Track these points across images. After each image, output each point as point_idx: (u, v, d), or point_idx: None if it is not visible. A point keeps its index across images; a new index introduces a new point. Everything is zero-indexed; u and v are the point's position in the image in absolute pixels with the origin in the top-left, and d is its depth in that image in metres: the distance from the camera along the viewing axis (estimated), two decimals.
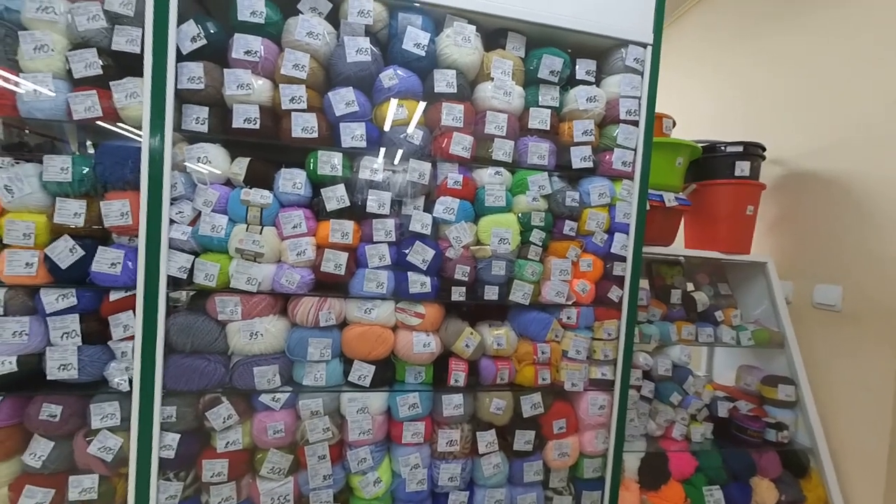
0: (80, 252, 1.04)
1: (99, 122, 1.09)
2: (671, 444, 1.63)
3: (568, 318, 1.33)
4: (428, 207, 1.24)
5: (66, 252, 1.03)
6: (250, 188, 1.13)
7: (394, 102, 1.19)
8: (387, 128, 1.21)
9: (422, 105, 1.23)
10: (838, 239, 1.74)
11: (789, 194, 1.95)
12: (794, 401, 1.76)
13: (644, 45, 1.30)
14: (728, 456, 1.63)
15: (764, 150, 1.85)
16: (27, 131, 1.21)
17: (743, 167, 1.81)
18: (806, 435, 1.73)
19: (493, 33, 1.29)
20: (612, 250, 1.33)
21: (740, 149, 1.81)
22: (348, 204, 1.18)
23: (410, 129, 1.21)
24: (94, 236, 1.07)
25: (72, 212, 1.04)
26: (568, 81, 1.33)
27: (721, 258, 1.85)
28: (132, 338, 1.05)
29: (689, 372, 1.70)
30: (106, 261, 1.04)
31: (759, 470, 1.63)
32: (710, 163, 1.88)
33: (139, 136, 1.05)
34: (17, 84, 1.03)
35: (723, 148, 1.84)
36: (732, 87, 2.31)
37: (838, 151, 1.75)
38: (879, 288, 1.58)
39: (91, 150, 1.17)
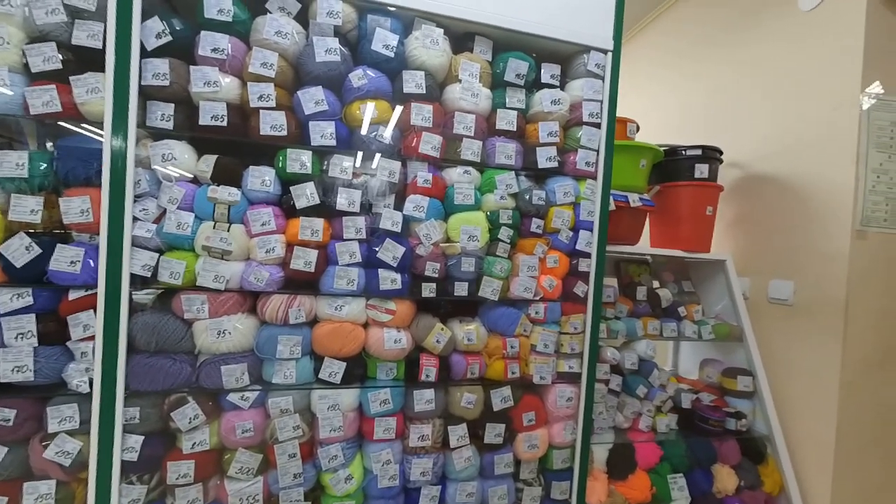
0: (36, 250, 1.01)
1: (60, 123, 1.07)
2: (638, 435, 1.69)
3: (536, 313, 1.36)
4: (398, 205, 1.25)
5: (21, 250, 1.00)
6: (218, 185, 1.13)
7: (369, 106, 1.21)
8: (363, 130, 1.23)
9: (395, 108, 1.25)
10: (789, 237, 1.85)
11: (746, 195, 2.06)
12: (752, 391, 1.85)
13: (605, 52, 1.37)
14: (691, 445, 1.69)
15: (721, 153, 1.95)
16: None
17: (702, 170, 1.91)
18: (763, 423, 1.82)
19: (461, 37, 1.33)
20: (578, 247, 1.38)
21: (699, 152, 1.90)
22: (318, 201, 1.18)
23: (381, 128, 1.23)
24: (52, 234, 1.04)
25: (28, 209, 1.01)
26: (534, 84, 1.38)
27: (683, 256, 1.94)
28: (93, 338, 1.03)
29: (654, 365, 1.77)
30: (65, 259, 1.02)
31: (720, 457, 1.70)
32: (671, 165, 1.97)
33: (102, 135, 1.03)
34: None
35: (683, 151, 1.93)
36: (695, 93, 2.42)
37: (788, 155, 1.87)
38: (825, 282, 1.68)
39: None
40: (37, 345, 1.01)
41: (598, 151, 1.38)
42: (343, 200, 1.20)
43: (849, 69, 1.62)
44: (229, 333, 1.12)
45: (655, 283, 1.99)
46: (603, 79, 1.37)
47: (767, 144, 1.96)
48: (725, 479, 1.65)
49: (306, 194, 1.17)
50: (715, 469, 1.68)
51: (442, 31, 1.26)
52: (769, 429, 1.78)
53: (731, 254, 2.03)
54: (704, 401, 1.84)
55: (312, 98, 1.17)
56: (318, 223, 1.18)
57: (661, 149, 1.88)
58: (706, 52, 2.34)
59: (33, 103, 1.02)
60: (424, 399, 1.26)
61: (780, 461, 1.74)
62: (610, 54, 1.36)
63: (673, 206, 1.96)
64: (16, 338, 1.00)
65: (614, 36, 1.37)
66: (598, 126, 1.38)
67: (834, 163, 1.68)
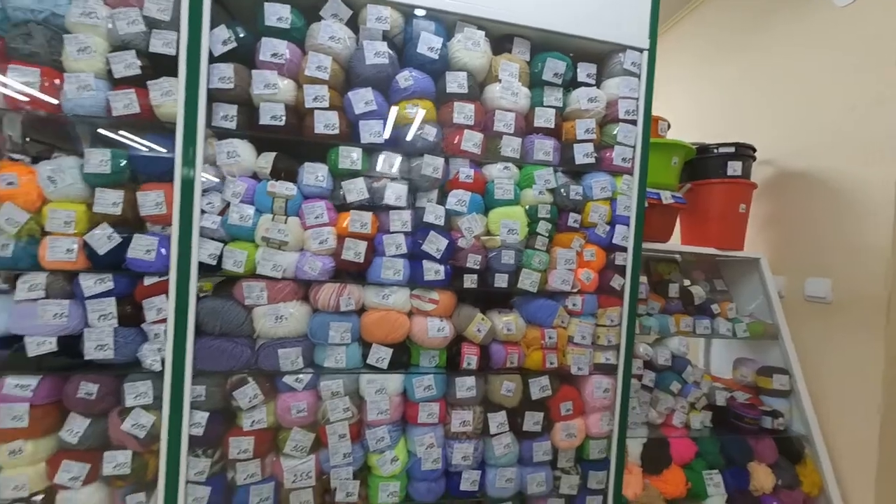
0: (116, 239, 1.10)
1: (101, 131, 1.19)
2: (671, 431, 1.69)
3: (573, 305, 1.40)
4: (441, 200, 1.31)
5: (104, 239, 1.10)
6: (276, 181, 1.21)
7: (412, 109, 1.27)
8: (407, 133, 1.29)
9: (438, 107, 1.31)
10: (824, 234, 1.83)
11: (779, 193, 2.05)
12: (788, 390, 1.83)
13: (641, 50, 1.40)
14: (726, 442, 1.69)
15: (754, 150, 1.95)
16: (28, 139, 1.24)
17: (735, 167, 1.91)
18: (800, 423, 1.79)
19: (501, 38, 1.38)
20: (614, 241, 1.41)
21: (732, 150, 1.91)
22: (367, 196, 1.25)
23: (426, 127, 1.29)
24: (129, 225, 1.14)
25: (110, 201, 1.11)
26: (570, 83, 1.42)
27: (716, 254, 1.94)
28: (164, 321, 1.11)
29: (687, 362, 1.77)
30: (141, 248, 1.11)
31: (756, 455, 1.69)
32: (703, 163, 1.98)
33: (144, 144, 1.16)
34: (61, 82, 1.10)
35: (715, 149, 1.94)
36: (727, 90, 2.42)
37: (824, 152, 1.86)
38: (864, 279, 1.66)
39: None
40: (116, 325, 1.10)
41: (634, 147, 1.41)
42: (390, 195, 1.26)
43: (888, 63, 1.61)
44: (285, 319, 1.19)
45: (686, 282, 1.99)
46: (639, 77, 1.41)
47: (802, 141, 1.95)
48: (762, 477, 1.64)
49: (357, 189, 1.24)
50: (751, 467, 1.67)
51: (483, 33, 1.31)
52: (807, 428, 1.76)
53: (765, 252, 2.02)
54: (739, 399, 1.83)
55: (362, 99, 1.25)
56: (367, 216, 1.25)
57: (693, 146, 1.89)
58: (739, 48, 2.34)
59: (115, 106, 1.12)
60: (466, 386, 1.30)
61: (818, 461, 1.72)
62: (646, 53, 1.40)
63: (704, 203, 1.97)
64: (98, 319, 1.09)
65: (650, 35, 1.40)
66: (633, 123, 1.41)
67: (872, 159, 1.67)
